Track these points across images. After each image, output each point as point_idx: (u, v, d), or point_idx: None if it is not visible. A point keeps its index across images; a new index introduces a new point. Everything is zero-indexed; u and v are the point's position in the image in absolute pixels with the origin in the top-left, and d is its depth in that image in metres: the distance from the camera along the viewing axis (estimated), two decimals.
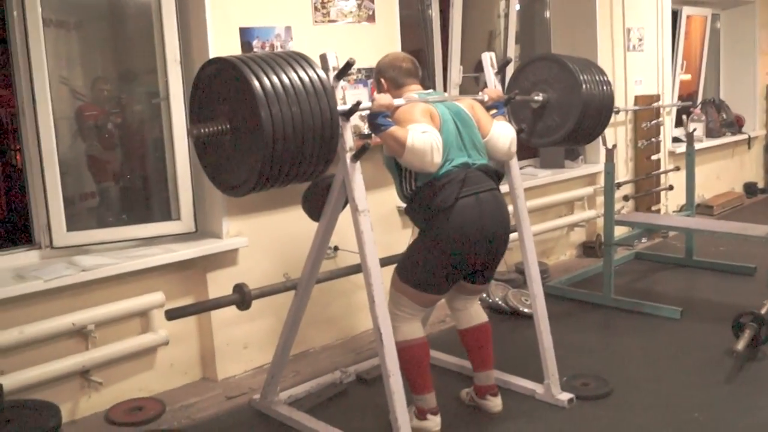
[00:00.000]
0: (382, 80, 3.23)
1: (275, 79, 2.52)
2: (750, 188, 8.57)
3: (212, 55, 3.50)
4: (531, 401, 3.42)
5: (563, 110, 3.72)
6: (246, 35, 3.73)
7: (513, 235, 3.37)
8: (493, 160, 3.26)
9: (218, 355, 3.77)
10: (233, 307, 3.05)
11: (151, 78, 3.71)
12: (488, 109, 3.32)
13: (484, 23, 5.77)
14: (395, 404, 2.79)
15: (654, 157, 6.37)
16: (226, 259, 3.74)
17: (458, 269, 3.02)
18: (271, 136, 2.46)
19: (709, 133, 7.85)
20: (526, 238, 3.49)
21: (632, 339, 4.22)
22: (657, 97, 6.38)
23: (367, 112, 2.93)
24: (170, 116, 3.63)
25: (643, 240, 6.35)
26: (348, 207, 2.92)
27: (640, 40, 6.33)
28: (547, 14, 6.18)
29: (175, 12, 3.58)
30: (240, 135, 2.60)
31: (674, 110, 7.13)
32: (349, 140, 2.80)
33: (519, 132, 3.51)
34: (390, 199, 4.34)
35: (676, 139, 7.20)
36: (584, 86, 3.67)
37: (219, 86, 2.66)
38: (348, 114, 2.78)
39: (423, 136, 2.82)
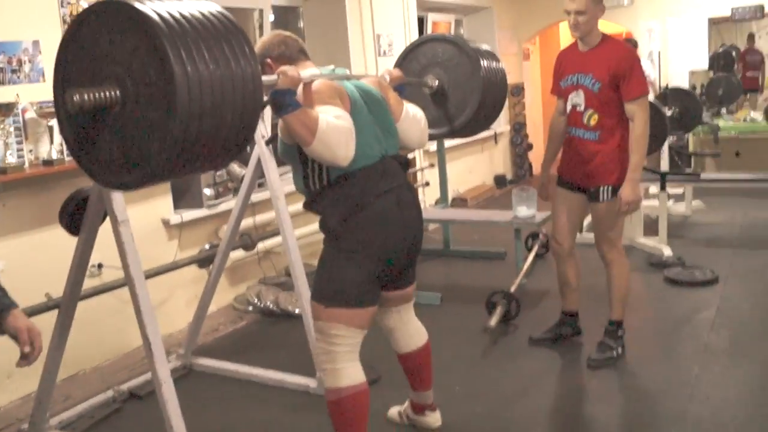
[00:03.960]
0: (269, 61, 2.69)
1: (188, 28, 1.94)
2: (499, 180, 9.29)
3: None
4: (305, 395, 3.56)
5: (460, 96, 3.47)
6: None
7: None
8: (402, 148, 2.86)
9: None
10: None
11: None
12: None
13: None
14: (169, 413, 2.80)
15: (410, 156, 6.81)
16: None
17: (382, 272, 2.63)
18: (187, 107, 1.90)
19: None
20: (289, 240, 3.59)
21: None
22: None
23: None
24: None
25: None
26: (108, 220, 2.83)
27: (390, 45, 6.70)
28: (301, 24, 6.38)
29: None
30: (136, 106, 1.99)
31: None
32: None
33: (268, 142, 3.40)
34: (153, 211, 4.34)
35: (432, 138, 7.69)
36: (483, 69, 3.42)
37: (103, 38, 2.03)
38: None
39: (336, 124, 2.36)
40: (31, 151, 3.69)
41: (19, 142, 3.64)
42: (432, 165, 6.79)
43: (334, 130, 2.35)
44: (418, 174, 7.02)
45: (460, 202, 8.07)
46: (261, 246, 5.05)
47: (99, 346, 4.10)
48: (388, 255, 2.62)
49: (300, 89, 2.41)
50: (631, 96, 3.51)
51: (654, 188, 6.23)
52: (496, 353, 4.04)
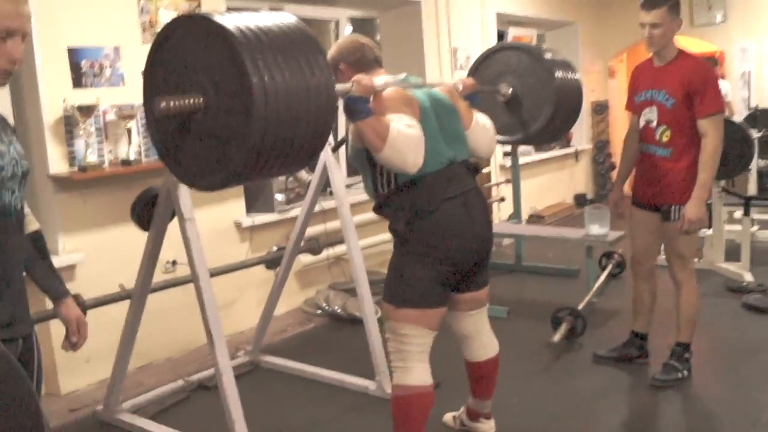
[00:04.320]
0: (342, 67, 2.77)
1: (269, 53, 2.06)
2: (579, 199, 9.13)
3: (40, 76, 3.55)
4: (365, 396, 3.63)
5: (533, 104, 3.46)
6: (74, 56, 3.79)
7: None
8: (471, 156, 2.91)
9: (60, 370, 3.78)
10: None
11: None
12: None
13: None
14: (228, 402, 2.92)
15: (485, 170, 6.81)
16: (63, 275, 3.74)
17: (451, 275, 2.68)
18: (263, 114, 2.02)
19: (539, 147, 8.43)
20: (353, 246, 3.66)
21: None
22: None
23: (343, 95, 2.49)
24: None
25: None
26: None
27: (468, 58, 6.68)
28: (378, 37, 6.49)
29: None
30: (218, 113, 2.13)
31: None
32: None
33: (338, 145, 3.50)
34: (226, 213, 4.50)
35: (507, 154, 7.68)
36: (557, 78, 3.39)
37: (188, 49, 2.19)
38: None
39: (407, 132, 2.44)
40: (110, 151, 3.90)
41: (100, 143, 3.85)
42: (508, 181, 6.76)
43: (405, 138, 2.43)
44: (493, 189, 7.01)
45: (536, 219, 7.99)
46: (331, 252, 5.16)
47: (171, 339, 4.29)
48: (456, 258, 2.65)
49: (372, 97, 2.50)
50: (705, 113, 3.44)
51: (739, 213, 6.04)
52: (558, 369, 4.00)
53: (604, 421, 3.41)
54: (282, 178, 4.85)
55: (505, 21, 7.86)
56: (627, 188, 3.92)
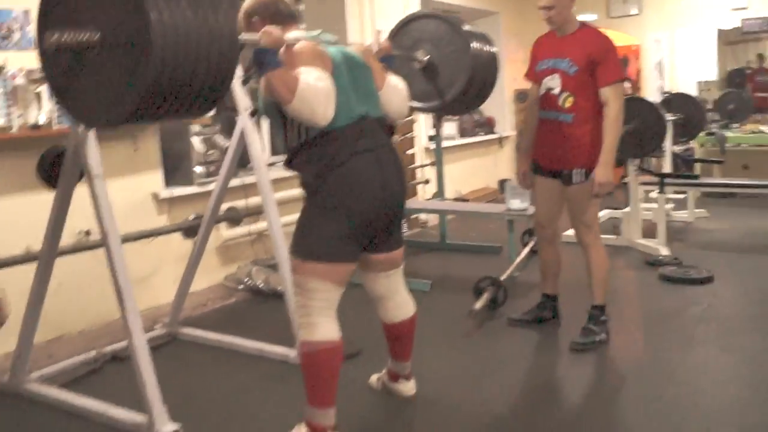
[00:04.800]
0: (255, 20, 2.73)
1: None
2: (503, 184, 9.22)
3: None
4: (285, 365, 3.57)
5: (449, 72, 3.46)
6: None
7: None
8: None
9: None
10: None
11: None
12: None
13: None
14: (139, 361, 2.83)
15: (409, 152, 6.83)
16: None
17: (361, 231, 2.65)
18: (161, 53, 1.98)
19: (463, 133, 8.52)
20: (274, 224, 3.61)
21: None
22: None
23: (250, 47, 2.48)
24: None
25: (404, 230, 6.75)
26: None
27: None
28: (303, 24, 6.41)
29: None
30: (113, 49, 2.09)
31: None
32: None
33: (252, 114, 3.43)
34: (143, 185, 4.40)
35: (432, 138, 7.69)
36: (473, 48, 3.41)
37: None
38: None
39: (317, 84, 2.45)
40: (20, 116, 3.73)
41: (9, 107, 3.69)
42: (432, 163, 6.79)
43: (314, 90, 2.43)
44: (418, 172, 7.03)
45: (461, 202, 8.04)
46: (253, 228, 5.09)
47: (85, 311, 4.14)
48: (366, 212, 2.63)
49: (282, 49, 2.48)
50: (606, 81, 3.58)
51: (655, 193, 6.22)
52: (479, 335, 4.04)
53: (518, 380, 3.46)
54: (201, 149, 4.75)
55: (429, 9, 7.88)
56: None
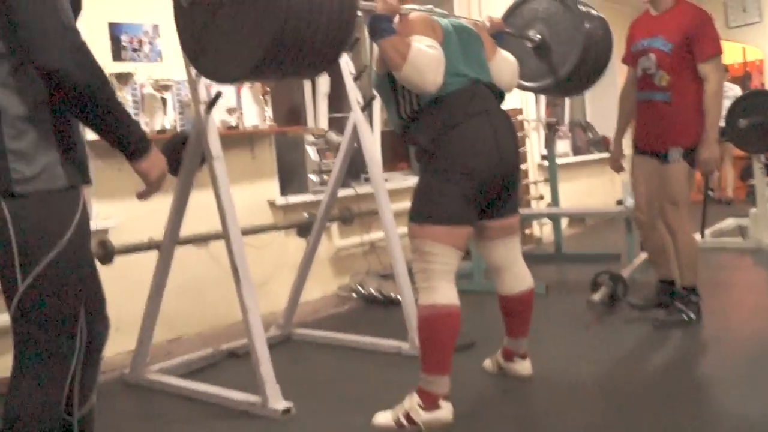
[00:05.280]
0: None
1: None
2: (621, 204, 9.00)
3: None
4: (397, 356, 3.55)
5: (562, 50, 3.46)
6: (115, 31, 3.92)
7: None
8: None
9: None
10: None
11: None
12: None
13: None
14: (254, 338, 2.89)
15: (522, 167, 6.75)
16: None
17: (477, 192, 2.63)
18: (284, 7, 2.11)
19: (577, 151, 8.34)
20: (391, 236, 3.58)
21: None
22: (520, 111, 6.79)
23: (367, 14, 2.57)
24: None
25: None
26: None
27: None
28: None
29: None
30: (241, 2, 2.21)
31: (541, 130, 7.51)
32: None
33: None
34: (260, 192, 4.52)
35: (544, 157, 7.58)
36: (586, 28, 3.39)
37: None
38: None
39: (428, 50, 2.50)
40: (147, 123, 3.94)
41: (137, 114, 3.91)
42: (546, 180, 6.69)
43: (425, 56, 2.49)
44: (531, 187, 6.93)
45: (578, 222, 7.85)
46: (366, 238, 5.14)
47: (203, 315, 4.26)
48: (482, 172, 2.62)
49: (396, 19, 2.58)
50: (704, 56, 3.52)
51: None
52: (597, 328, 3.90)
53: (643, 365, 3.30)
54: (315, 159, 4.87)
55: None
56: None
